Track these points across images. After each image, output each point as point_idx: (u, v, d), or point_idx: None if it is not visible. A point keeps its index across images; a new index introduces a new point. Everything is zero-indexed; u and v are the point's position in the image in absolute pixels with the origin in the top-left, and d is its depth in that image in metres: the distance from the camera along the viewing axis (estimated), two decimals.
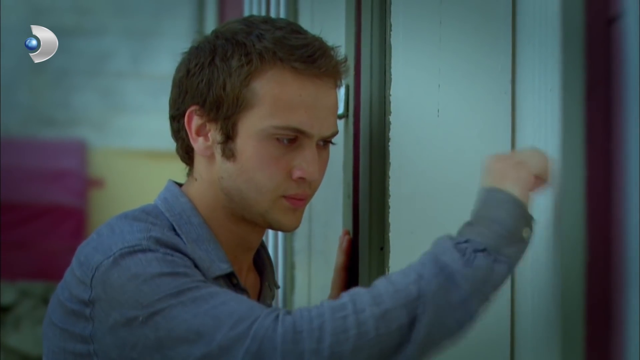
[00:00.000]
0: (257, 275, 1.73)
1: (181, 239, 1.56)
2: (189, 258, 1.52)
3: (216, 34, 1.62)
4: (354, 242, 1.88)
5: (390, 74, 1.74)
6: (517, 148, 1.72)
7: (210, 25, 5.52)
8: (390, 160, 1.74)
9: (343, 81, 1.67)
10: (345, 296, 1.43)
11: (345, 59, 1.63)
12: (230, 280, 1.59)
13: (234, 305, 1.43)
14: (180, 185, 1.66)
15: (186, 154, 1.65)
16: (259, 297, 1.71)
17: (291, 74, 1.56)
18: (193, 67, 1.59)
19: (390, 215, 1.73)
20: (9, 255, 6.47)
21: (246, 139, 1.57)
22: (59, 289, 1.55)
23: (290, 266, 2.66)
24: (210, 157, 1.61)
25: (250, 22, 1.60)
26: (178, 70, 1.63)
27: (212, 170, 1.61)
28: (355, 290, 1.43)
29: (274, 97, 1.56)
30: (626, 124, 1.20)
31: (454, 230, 1.45)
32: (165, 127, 1.67)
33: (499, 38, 1.73)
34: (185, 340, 1.41)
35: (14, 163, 6.73)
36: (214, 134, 1.59)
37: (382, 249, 1.76)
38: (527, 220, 1.43)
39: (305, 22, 2.40)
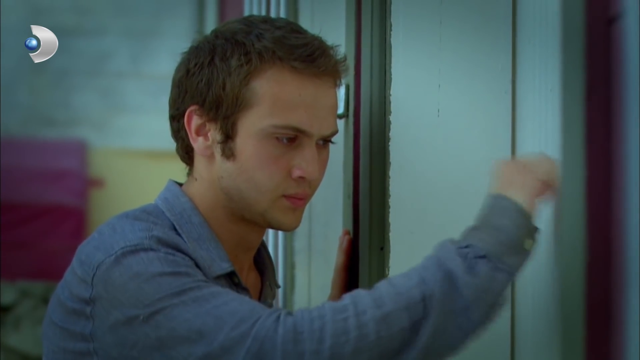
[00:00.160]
0: (258, 274, 1.73)
1: (182, 238, 1.56)
2: (190, 258, 1.52)
3: (216, 33, 1.62)
4: (354, 242, 1.88)
5: (391, 74, 1.74)
6: (517, 148, 1.71)
7: (210, 25, 5.52)
8: (391, 160, 1.74)
9: (343, 80, 1.67)
10: (347, 298, 1.43)
11: (345, 58, 1.63)
12: (231, 279, 1.59)
13: (236, 305, 1.43)
14: (180, 185, 1.66)
15: (186, 153, 1.65)
16: (260, 297, 1.71)
17: (291, 73, 1.56)
18: (193, 67, 1.59)
19: (390, 215, 1.73)
20: (9, 255, 6.47)
21: (246, 138, 1.57)
22: (59, 288, 1.55)
23: (290, 266, 2.66)
24: (210, 157, 1.61)
25: (250, 22, 1.60)
26: (178, 70, 1.63)
27: (212, 169, 1.61)
28: (357, 292, 1.43)
29: (273, 97, 1.56)
30: (626, 124, 1.20)
31: (453, 230, 1.45)
32: (165, 127, 1.67)
33: (499, 38, 1.73)
34: (186, 340, 1.41)
35: (14, 163, 6.73)
36: (214, 133, 1.59)
37: (382, 248, 1.76)
38: (531, 231, 1.42)
39: (305, 22, 2.40)
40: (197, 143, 1.61)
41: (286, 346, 1.39)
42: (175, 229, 1.57)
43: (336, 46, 1.62)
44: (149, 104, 7.17)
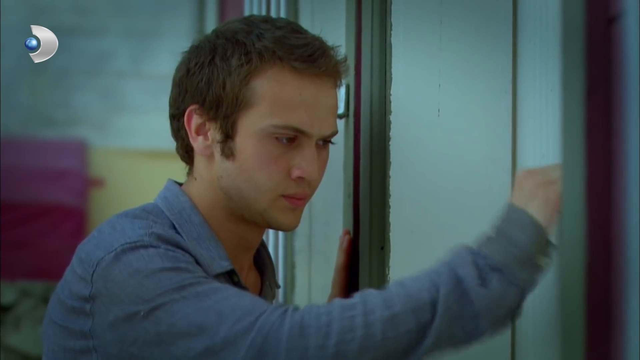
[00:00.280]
0: (257, 274, 1.73)
1: (182, 237, 1.56)
2: (191, 255, 1.52)
3: (216, 33, 1.62)
4: (355, 242, 1.88)
5: (391, 74, 1.74)
6: (517, 148, 1.71)
7: (211, 25, 5.52)
8: (391, 160, 1.74)
9: (343, 81, 1.67)
10: (357, 296, 1.42)
11: (345, 59, 1.63)
12: (231, 278, 1.59)
13: (237, 300, 1.43)
14: (180, 184, 1.66)
15: (186, 153, 1.65)
16: (260, 297, 1.71)
17: (291, 73, 1.56)
18: (193, 67, 1.60)
19: (390, 215, 1.73)
20: (9, 255, 6.47)
21: (246, 138, 1.57)
22: (59, 287, 1.55)
23: (290, 265, 2.66)
24: (210, 156, 1.61)
25: (251, 22, 1.60)
26: (178, 69, 1.63)
27: (212, 169, 1.61)
28: (368, 292, 1.43)
29: (273, 97, 1.56)
30: (626, 124, 1.19)
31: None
32: (166, 126, 1.67)
33: (499, 38, 1.73)
34: (187, 335, 1.41)
35: (14, 163, 6.73)
36: (214, 133, 1.59)
37: (382, 248, 1.76)
38: (546, 249, 1.41)
39: (306, 22, 2.40)
40: (197, 142, 1.61)
41: (291, 340, 1.39)
42: (174, 228, 1.57)
43: (337, 47, 1.62)
44: (149, 103, 7.16)
